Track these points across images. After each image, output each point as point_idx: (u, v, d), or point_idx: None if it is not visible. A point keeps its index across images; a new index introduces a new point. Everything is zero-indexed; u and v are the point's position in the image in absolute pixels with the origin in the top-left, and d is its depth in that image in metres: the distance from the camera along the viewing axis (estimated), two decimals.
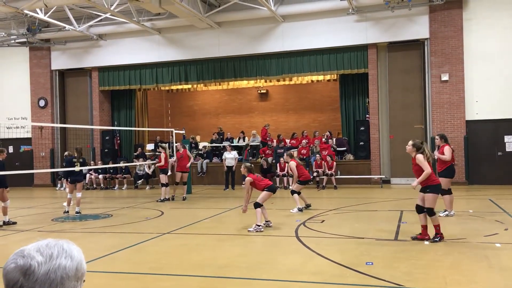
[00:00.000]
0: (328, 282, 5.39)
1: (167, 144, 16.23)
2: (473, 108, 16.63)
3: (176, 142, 17.15)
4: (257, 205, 8.82)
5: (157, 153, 14.83)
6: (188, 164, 14.60)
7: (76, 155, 12.00)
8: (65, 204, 12.01)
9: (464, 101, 16.62)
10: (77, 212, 11.57)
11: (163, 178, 14.13)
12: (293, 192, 11.31)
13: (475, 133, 16.55)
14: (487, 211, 10.48)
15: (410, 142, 7.46)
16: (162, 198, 13.99)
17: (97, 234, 9.07)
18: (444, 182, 9.03)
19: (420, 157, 7.25)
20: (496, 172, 16.38)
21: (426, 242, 7.21)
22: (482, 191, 14.45)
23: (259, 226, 8.67)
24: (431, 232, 7.38)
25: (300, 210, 10.99)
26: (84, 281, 1.38)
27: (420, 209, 7.46)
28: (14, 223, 10.28)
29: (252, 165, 9.33)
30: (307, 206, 11.40)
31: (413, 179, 7.73)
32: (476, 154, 16.54)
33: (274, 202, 13.53)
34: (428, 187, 7.25)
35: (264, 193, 8.88)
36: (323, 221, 9.66)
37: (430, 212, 7.26)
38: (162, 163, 14.18)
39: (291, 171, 11.70)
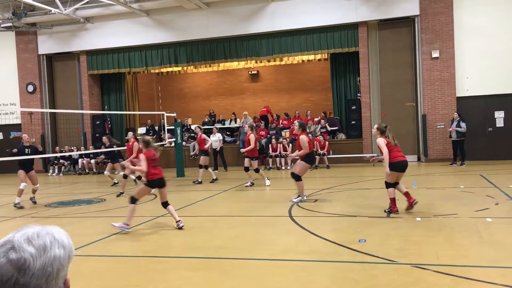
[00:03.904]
0: (322, 260, 5.45)
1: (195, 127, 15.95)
2: (464, 85, 16.68)
3: (167, 125, 17.07)
4: (132, 200, 7.60)
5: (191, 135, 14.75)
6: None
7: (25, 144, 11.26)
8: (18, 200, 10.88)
9: (455, 77, 16.65)
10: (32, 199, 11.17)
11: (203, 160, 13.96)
12: (257, 170, 12.06)
13: (465, 109, 16.62)
14: (478, 186, 10.60)
15: (375, 126, 8.15)
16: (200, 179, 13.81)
17: (91, 219, 9.07)
18: (304, 167, 9.50)
19: (379, 140, 7.87)
20: (487, 148, 16.53)
21: (386, 211, 7.97)
22: (473, 167, 14.59)
23: (126, 225, 7.41)
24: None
25: (252, 184, 12.16)
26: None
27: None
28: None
29: (151, 139, 7.97)
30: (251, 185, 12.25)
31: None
32: (467, 131, 16.61)
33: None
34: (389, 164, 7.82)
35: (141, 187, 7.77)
36: (316, 200, 9.72)
37: (386, 184, 8.01)
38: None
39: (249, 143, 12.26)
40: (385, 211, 8.00)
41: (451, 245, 5.89)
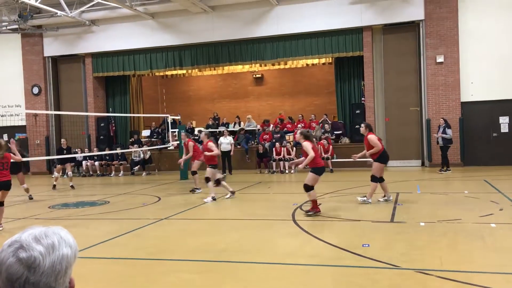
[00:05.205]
0: (325, 265, 5.44)
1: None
2: (468, 90, 16.63)
3: (172, 128, 17.14)
4: None
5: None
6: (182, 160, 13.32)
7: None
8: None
9: (459, 82, 16.61)
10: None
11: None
12: (207, 179, 10.74)
13: (470, 114, 16.58)
14: (482, 192, 10.55)
15: (298, 131, 8.76)
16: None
17: (94, 221, 9.09)
18: (379, 167, 9.41)
19: (306, 144, 8.32)
20: (491, 153, 16.46)
21: (310, 213, 8.31)
22: (477, 172, 14.53)
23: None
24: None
25: (214, 199, 10.65)
26: None
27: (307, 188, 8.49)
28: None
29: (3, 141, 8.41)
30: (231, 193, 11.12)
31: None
32: (471, 136, 16.60)
33: (271, 187, 13.59)
34: (312, 168, 8.41)
35: None
36: (320, 204, 9.67)
37: (307, 187, 8.37)
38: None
39: (205, 150, 11.08)
40: (305, 211, 8.35)
41: (455, 251, 5.87)
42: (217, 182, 10.77)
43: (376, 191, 9.58)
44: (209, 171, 10.74)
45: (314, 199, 8.40)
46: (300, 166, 8.81)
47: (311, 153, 8.19)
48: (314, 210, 8.36)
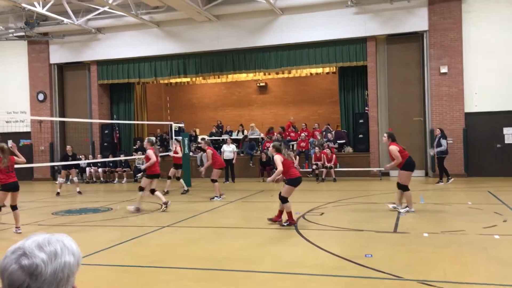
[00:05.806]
0: (328, 275, 5.42)
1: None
2: (472, 100, 16.62)
3: (175, 136, 17.22)
4: None
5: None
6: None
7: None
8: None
9: (463, 93, 16.61)
10: None
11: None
12: (152, 191, 10.89)
13: (474, 125, 16.55)
14: (486, 203, 10.51)
15: (271, 144, 8.86)
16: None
17: (97, 228, 9.10)
18: (405, 176, 9.43)
19: (276, 157, 8.42)
20: (495, 164, 16.40)
21: (284, 224, 8.33)
22: (481, 183, 14.48)
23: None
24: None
25: (138, 210, 10.61)
26: None
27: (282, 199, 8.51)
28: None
29: (6, 147, 8.61)
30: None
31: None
32: (475, 146, 16.55)
33: (274, 195, 13.57)
34: (287, 180, 8.49)
35: None
36: (323, 213, 9.68)
37: (283, 199, 8.39)
38: (180, 154, 14.43)
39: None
40: (282, 224, 8.35)
41: (458, 262, 5.84)
42: (152, 191, 10.90)
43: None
44: (144, 181, 10.95)
45: (289, 210, 8.38)
46: (269, 179, 9.05)
47: (279, 167, 8.27)
48: (289, 221, 8.35)
